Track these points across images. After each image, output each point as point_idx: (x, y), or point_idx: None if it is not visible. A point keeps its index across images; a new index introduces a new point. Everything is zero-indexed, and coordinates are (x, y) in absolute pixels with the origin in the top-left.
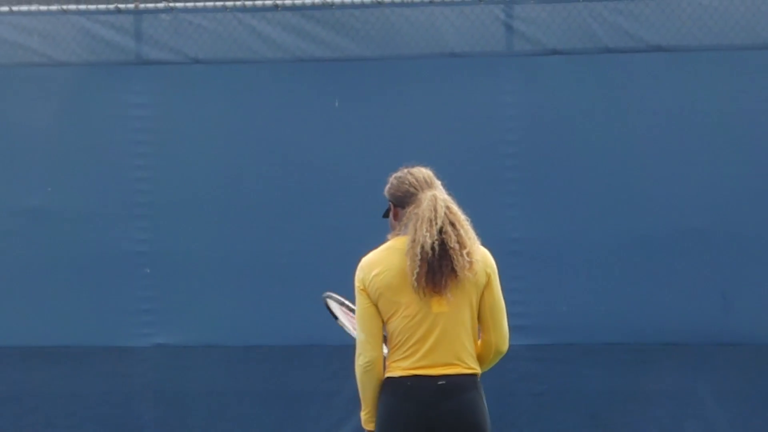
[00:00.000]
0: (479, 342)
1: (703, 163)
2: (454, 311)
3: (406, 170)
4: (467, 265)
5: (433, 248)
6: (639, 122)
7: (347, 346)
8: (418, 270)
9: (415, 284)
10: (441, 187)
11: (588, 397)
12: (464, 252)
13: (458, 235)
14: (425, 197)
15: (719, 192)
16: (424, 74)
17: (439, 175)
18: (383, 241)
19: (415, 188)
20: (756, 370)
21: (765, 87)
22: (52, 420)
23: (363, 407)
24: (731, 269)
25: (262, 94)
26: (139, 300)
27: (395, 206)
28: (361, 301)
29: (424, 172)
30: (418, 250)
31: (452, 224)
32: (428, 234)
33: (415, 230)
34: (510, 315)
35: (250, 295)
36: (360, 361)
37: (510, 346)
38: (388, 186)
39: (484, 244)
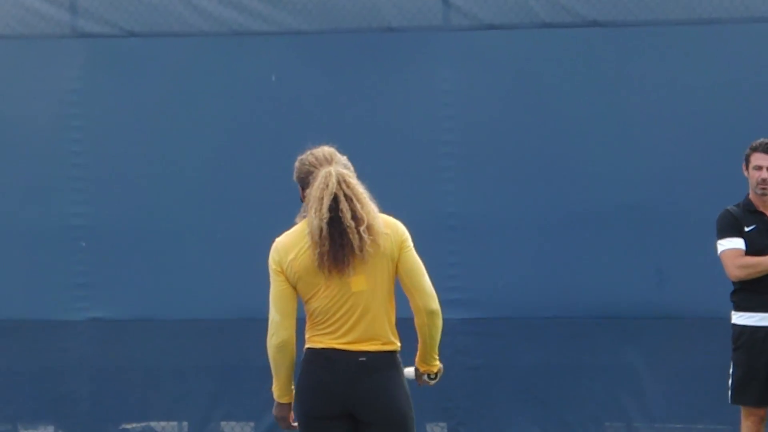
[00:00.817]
0: (415, 316)
1: (638, 138)
2: (372, 288)
3: (308, 151)
4: (367, 242)
5: (328, 226)
6: (574, 97)
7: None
8: (318, 250)
9: (318, 264)
10: (343, 162)
11: (523, 371)
12: (361, 228)
13: (354, 210)
14: (321, 172)
15: (655, 167)
16: (361, 49)
17: (375, 150)
18: None
19: (314, 167)
20: (689, 343)
21: (701, 62)
22: None
23: (275, 383)
24: (666, 243)
25: (198, 67)
26: (75, 274)
27: (302, 188)
28: (277, 282)
29: (325, 150)
30: (316, 231)
31: (348, 199)
32: (321, 213)
33: (312, 210)
34: (446, 289)
35: (185, 269)
36: (274, 341)
37: (445, 319)
38: (294, 170)
39: (420, 219)
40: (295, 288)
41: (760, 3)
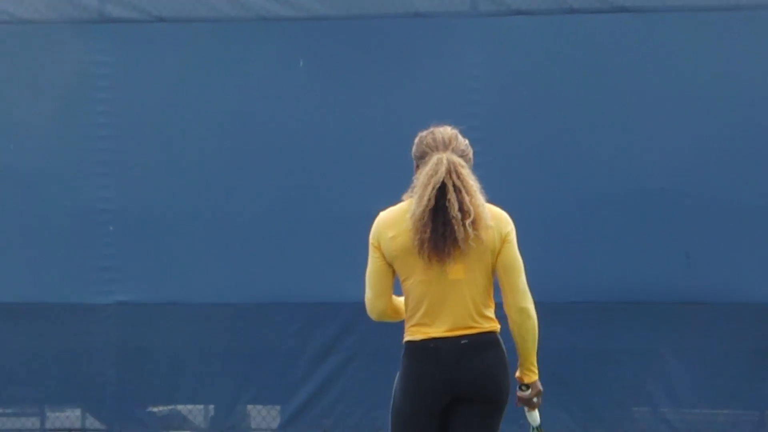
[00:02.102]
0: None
1: (667, 122)
2: (470, 278)
3: (431, 128)
4: (471, 236)
5: (432, 214)
6: (602, 82)
7: (310, 304)
8: (419, 236)
9: (417, 250)
10: (462, 147)
11: (551, 356)
12: (467, 222)
13: (462, 201)
14: (432, 160)
15: (683, 151)
16: (388, 34)
17: (402, 136)
18: (356, 202)
19: (430, 148)
20: (717, 329)
21: (728, 48)
22: (12, 377)
23: None
24: (694, 228)
25: (225, 52)
26: (102, 257)
27: (416, 166)
28: (373, 258)
29: (446, 133)
30: (418, 216)
31: (457, 190)
32: (427, 200)
33: (418, 195)
34: None
35: (212, 253)
36: (373, 317)
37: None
38: (413, 144)
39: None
40: (391, 266)
41: None
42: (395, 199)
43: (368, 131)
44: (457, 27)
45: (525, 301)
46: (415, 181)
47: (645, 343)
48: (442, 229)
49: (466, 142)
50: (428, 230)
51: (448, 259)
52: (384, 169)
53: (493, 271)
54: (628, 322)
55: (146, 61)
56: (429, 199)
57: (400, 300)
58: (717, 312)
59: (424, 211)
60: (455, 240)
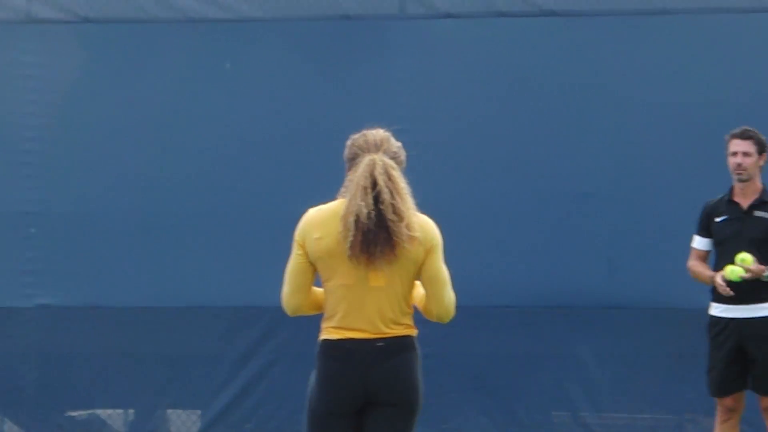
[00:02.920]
0: (424, 302)
1: (592, 127)
2: (390, 286)
3: (363, 131)
4: (405, 239)
5: (369, 218)
6: (530, 86)
7: (232, 308)
8: (351, 239)
9: (349, 252)
10: (393, 150)
11: (473, 360)
12: (402, 225)
13: (395, 205)
14: (363, 161)
15: (607, 157)
16: (317, 37)
17: (332, 138)
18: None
19: (362, 150)
20: (638, 333)
21: (654, 52)
22: None
23: None
24: (616, 234)
25: (152, 54)
26: (23, 260)
27: (348, 169)
28: (296, 255)
29: (378, 135)
30: (352, 219)
31: (390, 193)
32: (363, 203)
33: (351, 196)
34: None
35: (134, 257)
36: (288, 312)
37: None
38: (345, 147)
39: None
40: (314, 265)
41: None
42: (318, 203)
43: (294, 134)
44: (385, 30)
45: (446, 317)
46: (347, 182)
47: (566, 348)
48: (375, 232)
49: (398, 144)
50: (361, 233)
51: (378, 262)
52: (309, 173)
53: (415, 279)
54: (549, 327)
55: (73, 62)
56: (365, 202)
57: (319, 292)
58: (638, 316)
59: (360, 212)
60: (389, 243)
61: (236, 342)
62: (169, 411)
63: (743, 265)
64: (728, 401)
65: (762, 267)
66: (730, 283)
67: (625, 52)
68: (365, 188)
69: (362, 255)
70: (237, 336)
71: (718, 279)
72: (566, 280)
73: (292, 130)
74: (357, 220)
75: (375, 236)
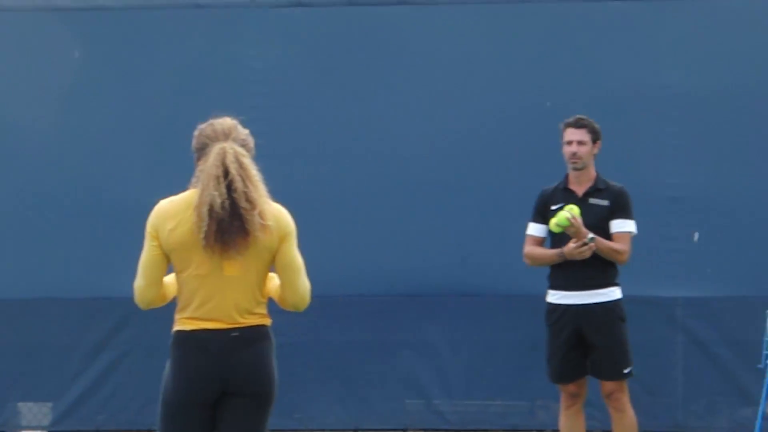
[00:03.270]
0: (279, 291)
1: (441, 116)
2: (244, 275)
3: (210, 121)
4: (259, 228)
5: (223, 207)
6: (380, 74)
7: (84, 299)
8: (206, 228)
9: (204, 242)
10: (242, 138)
11: (327, 349)
12: (255, 213)
13: (248, 193)
14: (213, 150)
15: (457, 145)
16: (168, 25)
17: (182, 126)
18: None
19: (210, 140)
20: (490, 320)
21: (510, 38)
22: None
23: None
24: (468, 221)
25: (8, 41)
26: None
27: (197, 159)
28: (149, 248)
29: (225, 123)
30: (205, 208)
31: (242, 180)
32: (216, 192)
33: (204, 186)
34: None
35: None
36: (141, 306)
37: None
38: (192, 138)
39: None
40: (167, 256)
41: None
42: (170, 193)
43: (144, 124)
44: (236, 18)
45: (302, 304)
46: (198, 172)
47: (419, 336)
48: (230, 221)
49: (246, 132)
50: (215, 222)
51: (233, 251)
52: (160, 162)
53: (269, 267)
54: (402, 315)
55: None
56: (218, 190)
57: (169, 284)
58: (490, 303)
59: (213, 201)
60: (243, 230)
61: (88, 333)
62: (20, 404)
63: (571, 212)
64: (571, 387)
65: (586, 230)
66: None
67: (469, 38)
68: (217, 177)
69: (216, 244)
70: (89, 327)
71: (571, 245)
72: (419, 267)
73: (142, 119)
74: (211, 210)
75: (229, 225)
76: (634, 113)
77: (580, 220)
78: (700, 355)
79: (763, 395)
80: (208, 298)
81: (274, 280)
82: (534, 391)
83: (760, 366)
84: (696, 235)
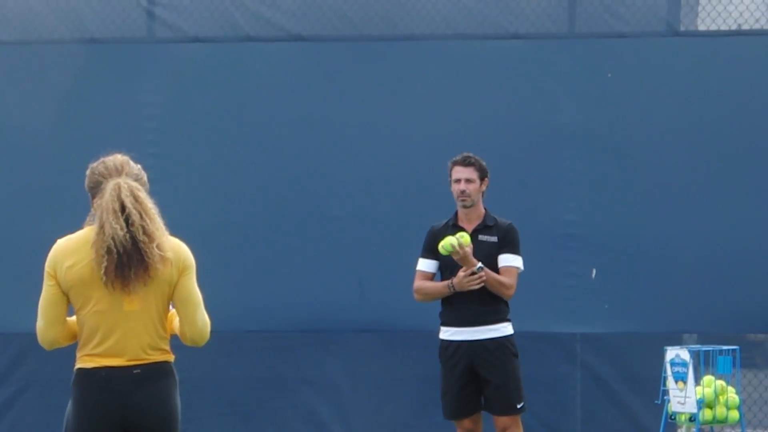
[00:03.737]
0: (178, 326)
1: (341, 149)
2: (145, 309)
3: (101, 159)
4: (158, 259)
5: (123, 241)
6: (278, 110)
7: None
8: (105, 264)
9: (104, 278)
10: (135, 172)
11: (226, 385)
12: (154, 245)
13: (145, 227)
14: (109, 186)
15: (353, 178)
16: (63, 60)
17: (77, 161)
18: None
19: (104, 177)
20: (389, 356)
21: (401, 76)
22: None
23: None
24: (367, 256)
25: None
26: None
27: (92, 197)
28: (48, 287)
29: (117, 160)
30: (106, 244)
31: (139, 214)
32: (117, 226)
33: (102, 222)
34: None
35: None
36: (45, 347)
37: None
38: (85, 177)
39: None
40: (66, 295)
41: (461, 20)
42: (65, 232)
43: (42, 157)
44: (133, 53)
45: (200, 339)
46: (94, 209)
47: (319, 372)
48: (128, 255)
49: (139, 166)
50: (114, 257)
51: (133, 285)
52: (58, 197)
53: (169, 301)
54: (302, 350)
55: None
56: (116, 225)
57: (73, 322)
58: (389, 339)
59: (112, 236)
60: (143, 264)
61: (19, 367)
62: None
63: (460, 240)
64: (466, 423)
65: (475, 260)
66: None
67: (369, 76)
68: (115, 211)
69: (117, 279)
70: (19, 362)
71: (461, 274)
72: (318, 303)
73: (40, 154)
74: (111, 244)
75: (129, 259)
76: (531, 150)
77: (469, 249)
78: (598, 390)
79: (661, 430)
80: (108, 334)
81: (176, 318)
82: (434, 426)
83: (657, 401)
84: (594, 272)
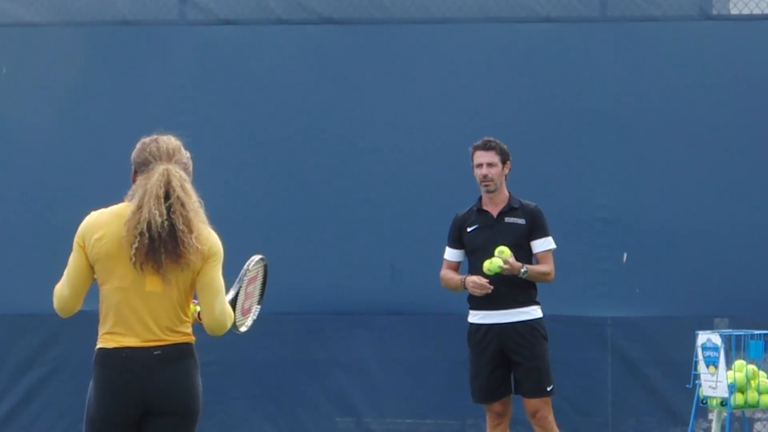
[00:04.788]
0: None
1: (372, 134)
2: (166, 291)
3: (155, 136)
4: (192, 251)
5: (162, 227)
6: (310, 92)
7: (12, 316)
8: (137, 245)
9: (133, 258)
10: (185, 160)
11: (257, 367)
12: (192, 236)
13: (187, 217)
14: (157, 170)
15: (386, 163)
16: (96, 42)
17: (114, 143)
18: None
19: (154, 158)
20: (421, 339)
21: (433, 60)
22: None
23: None
24: (398, 240)
25: None
26: None
27: (135, 171)
28: (76, 257)
29: (170, 143)
30: (141, 225)
31: (183, 204)
32: (157, 211)
33: (141, 203)
34: None
35: None
36: (62, 314)
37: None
38: (134, 149)
39: None
40: (92, 267)
41: (492, 3)
42: (85, 210)
43: (73, 140)
44: (165, 35)
45: (218, 330)
46: (136, 187)
47: (350, 354)
48: (162, 241)
49: (188, 155)
50: (146, 240)
51: (162, 270)
52: (89, 180)
53: (193, 289)
54: (333, 333)
55: None
56: (156, 210)
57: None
58: (420, 322)
59: (150, 219)
60: (177, 252)
61: (16, 351)
62: None
63: (502, 256)
64: (496, 407)
65: (519, 263)
66: (489, 279)
67: (405, 59)
68: (158, 197)
69: (147, 262)
70: (17, 344)
71: (473, 278)
72: (350, 286)
73: (72, 136)
74: (148, 228)
75: (163, 245)
76: (564, 135)
77: (512, 259)
78: (629, 374)
79: (692, 415)
80: (128, 313)
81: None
82: (464, 410)
83: (688, 386)
84: (625, 256)
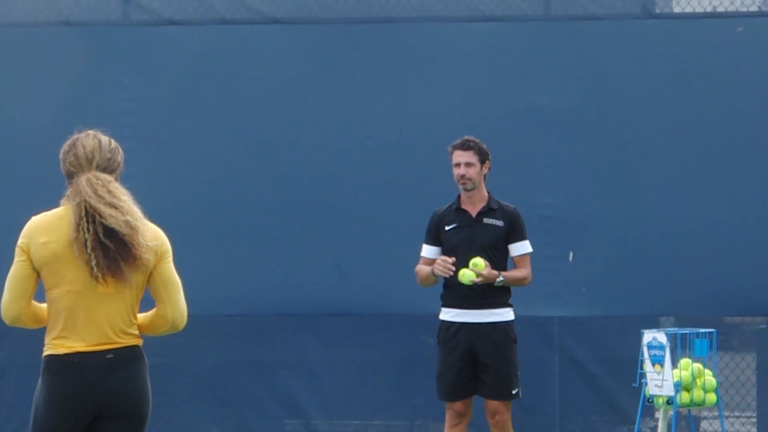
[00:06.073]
0: (153, 314)
1: (317, 134)
2: (119, 292)
3: (74, 139)
4: (145, 249)
5: (102, 235)
6: (255, 92)
7: None
8: (95, 262)
9: (98, 276)
10: (106, 158)
11: (204, 369)
12: (140, 236)
13: (125, 219)
14: (82, 182)
15: (333, 163)
16: (37, 43)
17: (53, 145)
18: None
19: (75, 168)
20: (367, 340)
21: (382, 59)
22: None
23: None
24: (345, 240)
25: None
26: None
27: (69, 183)
28: (19, 262)
29: (87, 148)
30: (90, 244)
31: (116, 208)
32: (85, 227)
33: (79, 222)
34: None
35: None
36: (8, 321)
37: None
38: (59, 160)
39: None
40: (37, 272)
41: (436, 2)
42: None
43: (17, 141)
44: (108, 36)
45: (181, 322)
46: (70, 194)
47: (297, 356)
48: (115, 249)
49: (111, 146)
50: (100, 255)
51: (125, 275)
52: (31, 178)
53: (144, 288)
54: (281, 334)
55: None
56: (90, 231)
57: (41, 307)
58: (367, 323)
59: (92, 240)
60: (132, 255)
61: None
62: None
63: (475, 269)
64: (458, 406)
65: (495, 272)
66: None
67: (346, 59)
68: (90, 214)
69: (108, 272)
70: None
71: (438, 260)
72: (296, 287)
73: (13, 136)
74: (94, 247)
75: (118, 253)
76: (507, 132)
77: (486, 271)
78: (576, 373)
79: (639, 413)
80: (81, 316)
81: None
82: (413, 410)
83: (635, 384)
84: (571, 255)
